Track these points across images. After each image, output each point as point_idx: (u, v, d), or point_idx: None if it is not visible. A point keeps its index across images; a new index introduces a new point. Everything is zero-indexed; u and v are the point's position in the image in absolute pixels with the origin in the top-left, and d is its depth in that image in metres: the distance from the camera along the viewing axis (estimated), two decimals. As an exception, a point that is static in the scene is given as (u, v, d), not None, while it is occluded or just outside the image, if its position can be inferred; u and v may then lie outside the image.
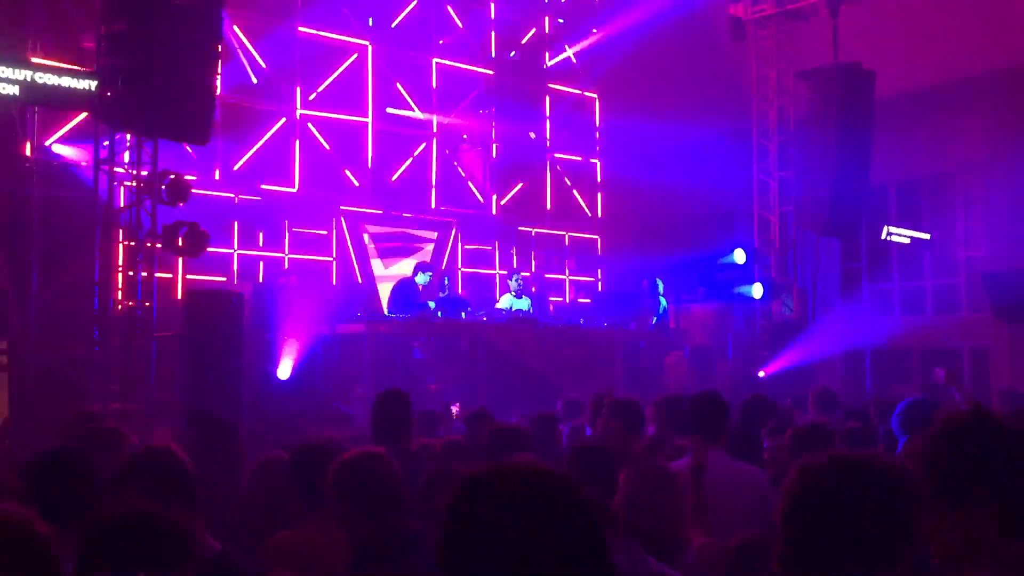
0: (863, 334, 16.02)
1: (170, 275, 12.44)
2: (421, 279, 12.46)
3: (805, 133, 14.74)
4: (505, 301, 13.29)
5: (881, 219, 15.82)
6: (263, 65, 13.73)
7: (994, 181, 15.40)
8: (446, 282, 13.09)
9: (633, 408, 5.28)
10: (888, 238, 15.58)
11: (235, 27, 13.22)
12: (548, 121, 17.26)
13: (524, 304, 13.22)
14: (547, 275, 17.03)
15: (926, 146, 15.60)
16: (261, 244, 13.92)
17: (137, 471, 3.17)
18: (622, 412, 5.18)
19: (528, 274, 15.20)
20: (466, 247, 16.16)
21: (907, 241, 15.74)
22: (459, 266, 15.99)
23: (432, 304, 12.19)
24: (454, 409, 9.58)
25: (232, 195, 13.45)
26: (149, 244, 9.98)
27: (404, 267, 14.28)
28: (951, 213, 16.17)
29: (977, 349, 15.23)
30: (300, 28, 14.09)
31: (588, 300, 17.04)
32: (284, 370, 10.35)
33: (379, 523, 3.17)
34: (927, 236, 15.80)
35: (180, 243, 9.78)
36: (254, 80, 13.62)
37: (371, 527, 3.17)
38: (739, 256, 15.32)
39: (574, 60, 17.39)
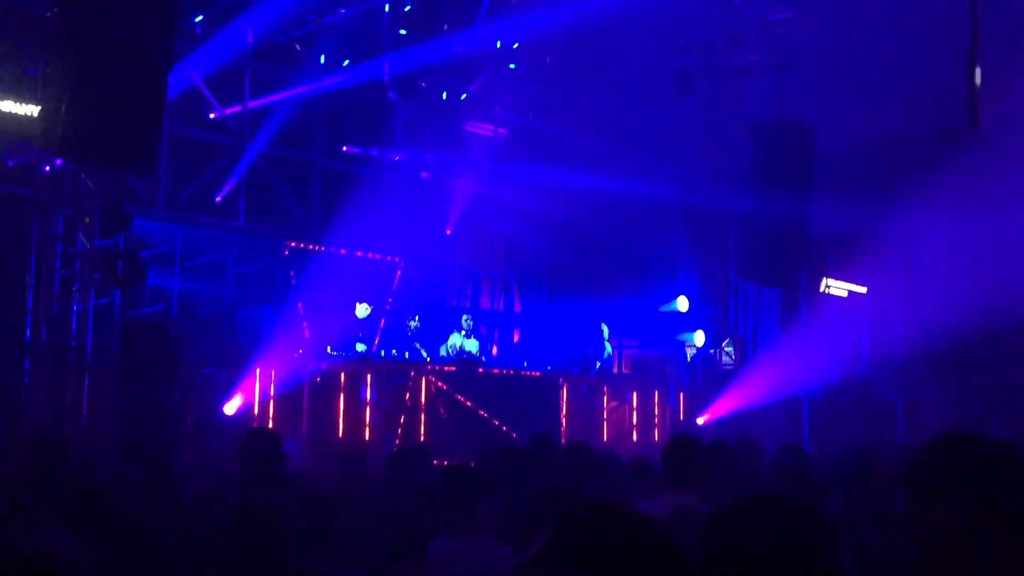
0: (801, 383, 16.28)
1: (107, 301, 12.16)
2: (361, 312, 12.38)
3: (748, 185, 15.06)
4: (456, 338, 13.25)
5: (820, 271, 16.16)
6: (215, 98, 13.64)
7: (930, 238, 15.87)
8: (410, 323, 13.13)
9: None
10: (826, 291, 15.92)
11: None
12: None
13: (474, 345, 13.19)
14: (492, 316, 17.02)
15: (864, 202, 16.03)
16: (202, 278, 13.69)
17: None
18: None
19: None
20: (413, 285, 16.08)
21: (845, 294, 16.09)
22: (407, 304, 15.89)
23: (362, 347, 12.08)
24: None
25: (175, 227, 13.24)
26: (86, 274, 9.76)
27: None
28: (888, 268, 16.59)
29: (912, 400, 15.55)
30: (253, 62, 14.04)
31: (532, 343, 17.05)
32: (231, 407, 10.16)
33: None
34: (863, 289, 16.17)
35: (118, 273, 9.59)
36: (211, 115, 13.52)
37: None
38: (682, 303, 15.51)
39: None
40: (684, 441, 4.56)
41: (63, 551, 2.10)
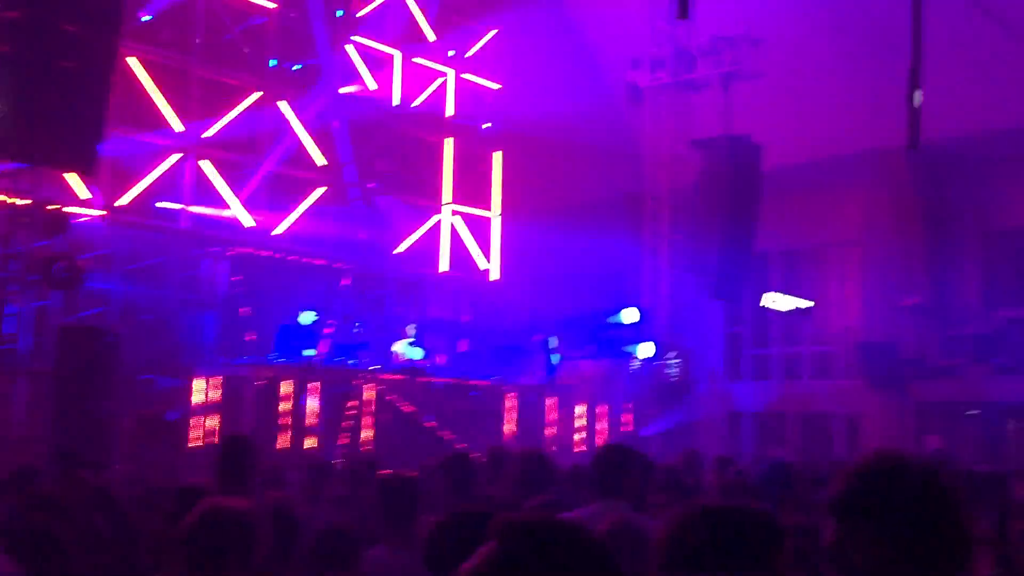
0: (743, 397, 16.50)
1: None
2: (305, 319, 12.28)
3: (695, 199, 15.21)
4: (400, 347, 13.19)
5: (763, 286, 16.39)
6: (160, 98, 13.42)
7: (868, 255, 16.20)
8: (357, 327, 13.03)
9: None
10: (772, 305, 16.13)
11: (132, 59, 12.90)
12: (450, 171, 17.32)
13: (419, 353, 13.14)
14: (441, 324, 16.96)
15: (807, 218, 16.33)
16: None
17: None
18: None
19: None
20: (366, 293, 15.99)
21: (792, 309, 16.30)
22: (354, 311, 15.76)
23: (312, 352, 11.98)
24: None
25: (116, 229, 12.98)
26: (22, 276, 9.55)
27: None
28: (828, 283, 16.89)
29: (850, 415, 15.83)
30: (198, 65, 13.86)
31: (479, 352, 17.03)
32: (174, 412, 10.03)
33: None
34: (810, 304, 16.40)
35: (56, 276, 9.38)
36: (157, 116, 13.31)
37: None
38: (630, 315, 15.61)
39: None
40: (615, 450, 4.59)
41: None
